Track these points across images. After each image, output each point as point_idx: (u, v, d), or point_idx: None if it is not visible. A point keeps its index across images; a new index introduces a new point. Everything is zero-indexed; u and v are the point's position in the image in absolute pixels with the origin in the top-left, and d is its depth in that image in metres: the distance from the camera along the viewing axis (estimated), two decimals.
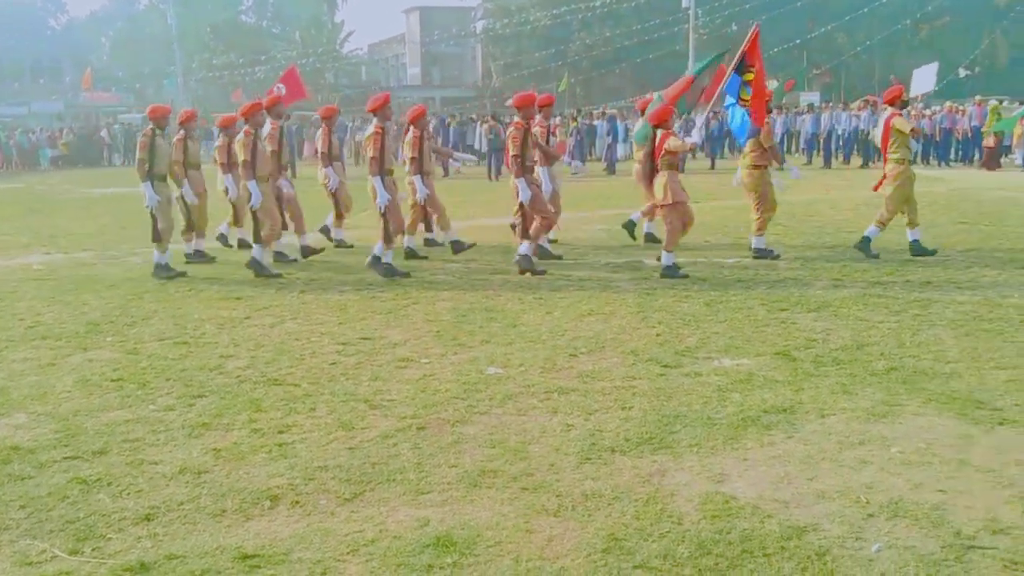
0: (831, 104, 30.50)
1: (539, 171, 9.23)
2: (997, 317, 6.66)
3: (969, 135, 23.68)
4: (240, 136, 9.15)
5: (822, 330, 6.44)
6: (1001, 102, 24.98)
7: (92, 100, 52.17)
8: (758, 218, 9.64)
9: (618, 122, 26.53)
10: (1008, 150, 23.94)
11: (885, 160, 9.48)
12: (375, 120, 8.96)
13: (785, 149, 25.15)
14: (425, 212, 10.15)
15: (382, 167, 8.77)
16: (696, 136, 9.55)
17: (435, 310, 7.43)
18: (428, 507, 3.71)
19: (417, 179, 9.64)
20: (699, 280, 8.41)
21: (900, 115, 9.36)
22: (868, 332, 6.34)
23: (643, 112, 10.80)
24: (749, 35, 9.39)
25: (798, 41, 44.17)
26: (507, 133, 8.93)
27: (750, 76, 9.17)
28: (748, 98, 9.19)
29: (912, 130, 9.24)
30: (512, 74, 55.16)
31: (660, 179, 8.61)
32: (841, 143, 25.24)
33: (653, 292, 7.91)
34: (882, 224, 9.42)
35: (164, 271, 9.28)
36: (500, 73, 57.17)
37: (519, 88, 54.18)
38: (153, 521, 3.63)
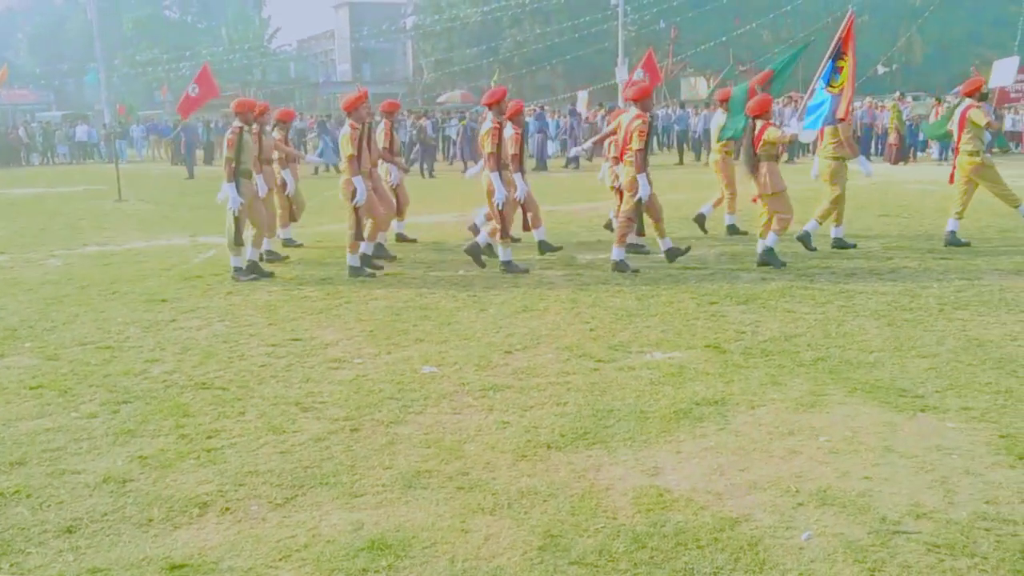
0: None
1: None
2: (917, 307, 6.87)
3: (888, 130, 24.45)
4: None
5: (751, 322, 6.56)
6: (916, 98, 25.82)
7: (9, 99, 50.29)
8: (833, 209, 9.61)
9: (548, 119, 26.65)
10: (924, 144, 24.82)
11: (957, 151, 9.61)
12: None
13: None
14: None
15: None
16: (796, 126, 9.33)
17: (368, 309, 7.35)
18: (362, 510, 3.66)
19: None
20: (631, 274, 8.49)
21: (978, 107, 9.44)
22: (795, 323, 6.48)
23: (723, 103, 10.98)
24: (845, 22, 9.10)
25: (724, 38, 44.92)
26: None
27: (843, 63, 9.00)
28: (837, 85, 9.01)
29: (988, 123, 9.42)
30: (443, 70, 54.99)
31: (762, 169, 8.64)
32: None
33: (586, 288, 7.96)
34: (958, 215, 9.60)
35: (248, 273, 8.83)
36: (431, 69, 56.94)
37: (450, 84, 54.28)
38: (75, 533, 3.51)
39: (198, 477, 4.02)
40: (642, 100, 8.66)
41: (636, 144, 8.45)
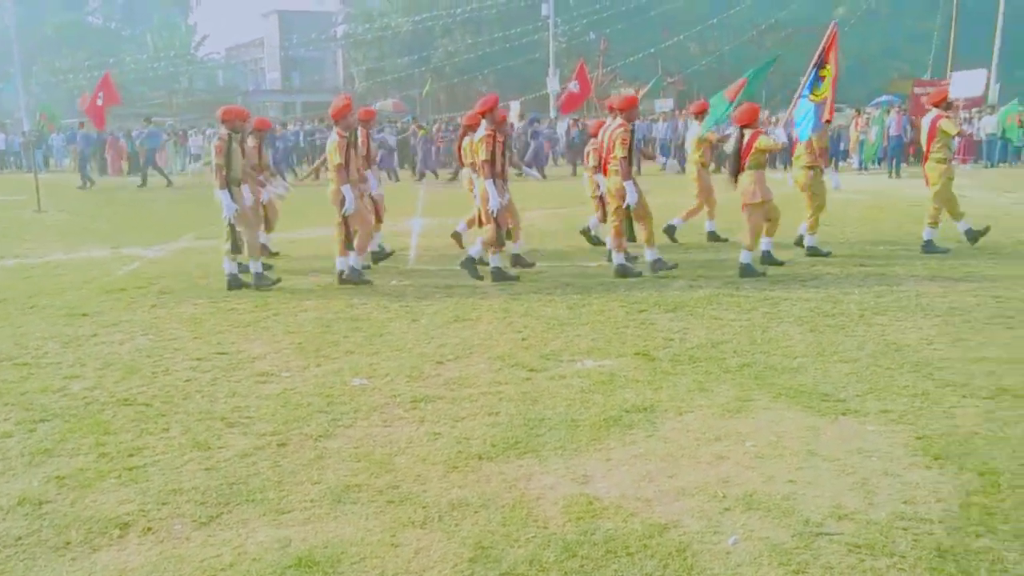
0: (685, 111, 31.66)
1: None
2: (839, 312, 7.07)
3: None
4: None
5: (679, 329, 6.66)
6: (837, 109, 26.56)
7: None
8: (811, 217, 9.87)
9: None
10: (844, 154, 25.57)
11: (926, 159, 9.90)
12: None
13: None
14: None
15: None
16: (783, 135, 9.60)
17: (297, 321, 7.25)
18: (290, 526, 3.60)
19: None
20: (562, 284, 8.55)
21: (947, 117, 9.81)
22: (722, 330, 6.60)
23: (698, 116, 11.35)
24: (828, 33, 9.58)
25: (652, 50, 45.70)
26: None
27: (826, 72, 9.41)
28: (819, 94, 9.43)
29: (959, 132, 9.72)
30: (375, 79, 54.70)
31: (747, 177, 8.72)
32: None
33: (518, 297, 7.98)
34: (935, 223, 9.84)
35: (263, 280, 8.72)
36: (362, 78, 56.55)
37: (381, 93, 53.96)
38: None
39: (119, 496, 3.90)
40: (628, 110, 8.76)
41: (619, 152, 8.57)
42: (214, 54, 68.66)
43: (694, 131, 11.35)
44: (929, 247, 9.83)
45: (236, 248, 8.73)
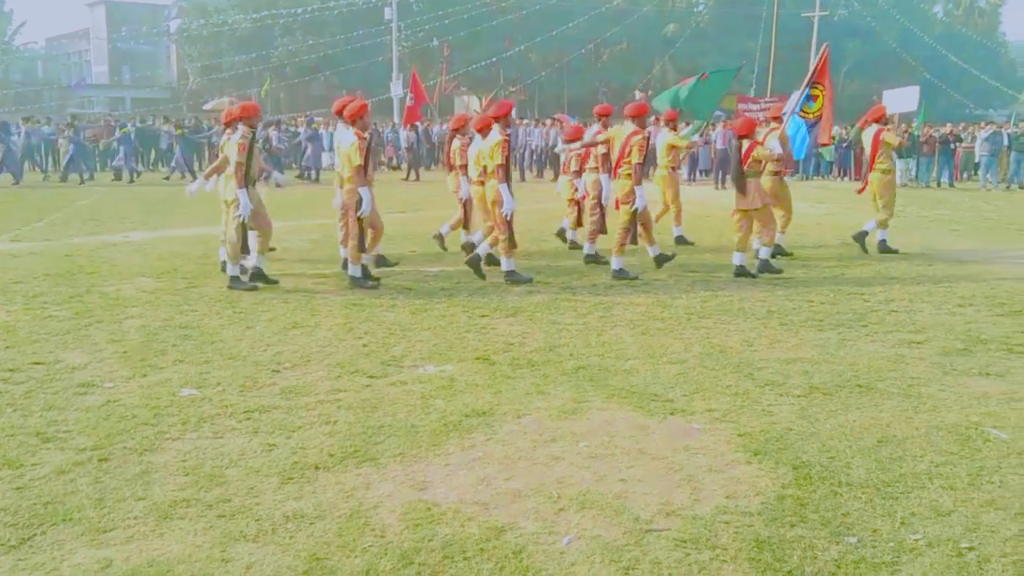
0: (526, 121, 32.27)
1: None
2: (668, 316, 7.39)
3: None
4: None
5: (518, 334, 6.77)
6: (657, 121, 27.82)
7: None
8: (788, 220, 10.73)
9: (322, 130, 26.16)
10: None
11: (871, 169, 10.82)
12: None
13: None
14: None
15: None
16: (778, 147, 10.06)
17: (121, 329, 6.86)
18: (111, 546, 3.40)
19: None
20: (404, 289, 8.51)
21: (889, 130, 10.84)
22: (559, 334, 6.76)
23: (669, 123, 11.81)
24: (820, 55, 10.62)
25: (495, 59, 46.31)
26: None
27: (817, 91, 10.36)
28: (810, 111, 10.38)
29: (899, 143, 10.58)
30: (210, 76, 52.72)
31: (749, 185, 9.19)
32: (533, 158, 26.97)
33: (360, 303, 7.88)
34: (883, 225, 10.84)
35: (240, 283, 8.48)
36: (197, 75, 54.35)
37: (217, 91, 52.03)
38: None
39: None
40: (639, 117, 9.13)
41: (636, 158, 8.92)
42: (32, 44, 64.20)
43: (664, 137, 11.85)
44: (883, 247, 10.88)
45: (246, 249, 8.55)
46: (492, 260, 9.38)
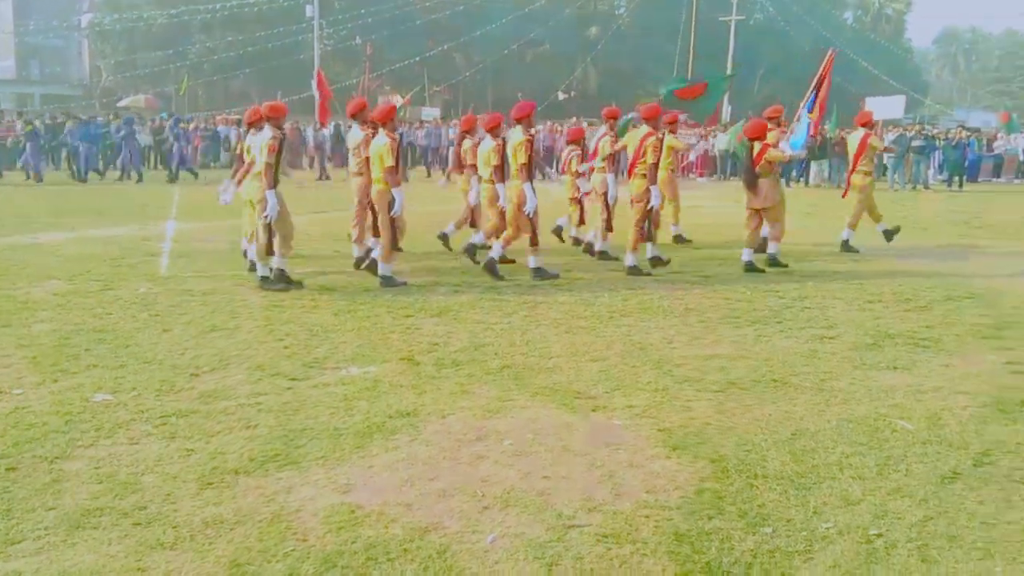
0: (450, 120, 32.20)
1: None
2: (591, 315, 7.48)
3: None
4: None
5: (443, 334, 6.77)
6: (591, 123, 28.16)
7: None
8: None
9: (232, 129, 25.67)
10: None
11: (853, 170, 11.31)
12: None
13: (408, 163, 26.04)
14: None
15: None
16: (787, 147, 10.53)
17: (31, 333, 6.62)
18: (19, 558, 3.28)
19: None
20: (327, 290, 8.42)
21: (874, 135, 11.45)
22: (484, 333, 6.78)
23: (670, 125, 11.68)
24: (826, 58, 11.29)
25: (418, 58, 46.11)
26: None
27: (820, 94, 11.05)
28: (812, 116, 11.15)
29: (885, 148, 11.20)
30: (125, 73, 51.20)
31: (762, 184, 9.67)
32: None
33: (281, 304, 7.76)
34: (852, 225, 11.31)
35: (282, 280, 8.45)
36: (111, 71, 52.72)
37: (132, 88, 50.54)
38: None
39: None
40: (652, 119, 9.51)
41: (651, 158, 9.25)
42: None
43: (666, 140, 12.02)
44: (846, 247, 11.32)
45: (270, 251, 8.47)
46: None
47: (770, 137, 10.27)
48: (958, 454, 4.39)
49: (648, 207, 9.42)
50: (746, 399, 5.25)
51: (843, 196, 11.88)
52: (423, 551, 3.37)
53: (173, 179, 22.82)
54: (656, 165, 9.38)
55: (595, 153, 10.56)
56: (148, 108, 42.71)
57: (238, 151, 10.01)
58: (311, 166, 27.45)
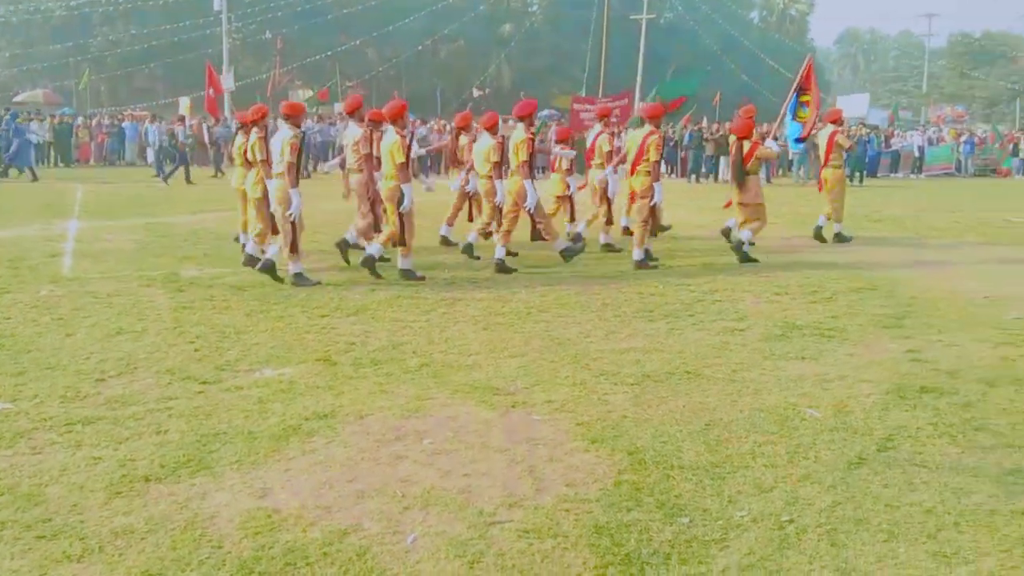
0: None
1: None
2: (509, 311, 7.51)
3: None
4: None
5: (361, 333, 6.69)
6: (505, 120, 28.26)
7: None
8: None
9: (148, 124, 24.86)
10: None
11: (824, 166, 12.04)
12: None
13: (324, 158, 25.61)
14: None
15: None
16: (776, 146, 11.20)
17: None
18: None
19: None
20: (238, 290, 8.23)
21: (842, 132, 12.28)
22: (402, 332, 6.74)
23: (653, 120, 11.82)
24: (805, 64, 12.32)
25: (329, 53, 45.42)
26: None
27: (806, 98, 11.90)
28: (804, 115, 12.02)
29: (850, 145, 12.12)
30: (21, 67, 49.06)
31: (749, 182, 10.18)
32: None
33: (191, 306, 7.55)
34: (838, 219, 12.03)
35: (304, 280, 8.53)
36: (6, 65, 50.43)
37: (29, 82, 48.43)
38: None
39: None
40: (655, 118, 9.86)
41: (654, 156, 9.61)
42: None
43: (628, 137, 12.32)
44: (840, 238, 12.04)
45: (297, 248, 8.54)
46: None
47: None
48: (863, 440, 4.56)
49: (651, 203, 9.78)
50: (661, 391, 5.35)
51: (819, 190, 12.52)
52: (343, 554, 3.33)
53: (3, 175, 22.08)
54: (659, 162, 9.79)
55: (591, 151, 11.16)
56: (47, 103, 40.98)
57: (241, 151, 9.53)
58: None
